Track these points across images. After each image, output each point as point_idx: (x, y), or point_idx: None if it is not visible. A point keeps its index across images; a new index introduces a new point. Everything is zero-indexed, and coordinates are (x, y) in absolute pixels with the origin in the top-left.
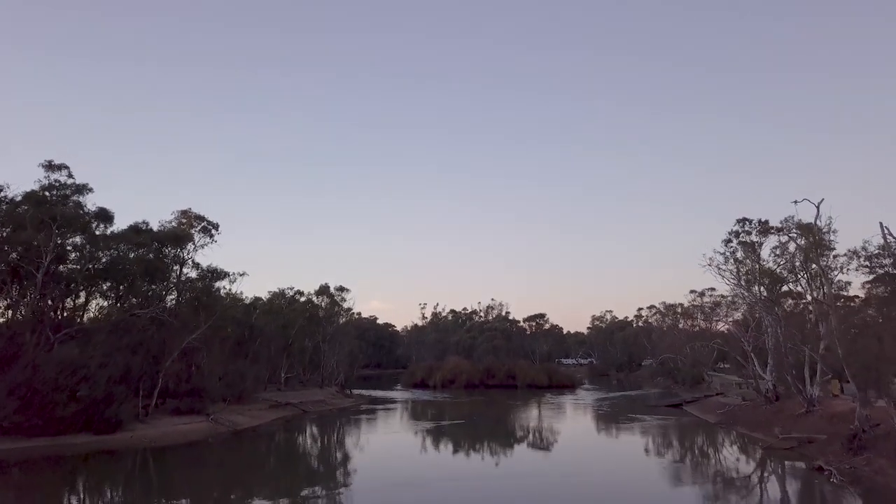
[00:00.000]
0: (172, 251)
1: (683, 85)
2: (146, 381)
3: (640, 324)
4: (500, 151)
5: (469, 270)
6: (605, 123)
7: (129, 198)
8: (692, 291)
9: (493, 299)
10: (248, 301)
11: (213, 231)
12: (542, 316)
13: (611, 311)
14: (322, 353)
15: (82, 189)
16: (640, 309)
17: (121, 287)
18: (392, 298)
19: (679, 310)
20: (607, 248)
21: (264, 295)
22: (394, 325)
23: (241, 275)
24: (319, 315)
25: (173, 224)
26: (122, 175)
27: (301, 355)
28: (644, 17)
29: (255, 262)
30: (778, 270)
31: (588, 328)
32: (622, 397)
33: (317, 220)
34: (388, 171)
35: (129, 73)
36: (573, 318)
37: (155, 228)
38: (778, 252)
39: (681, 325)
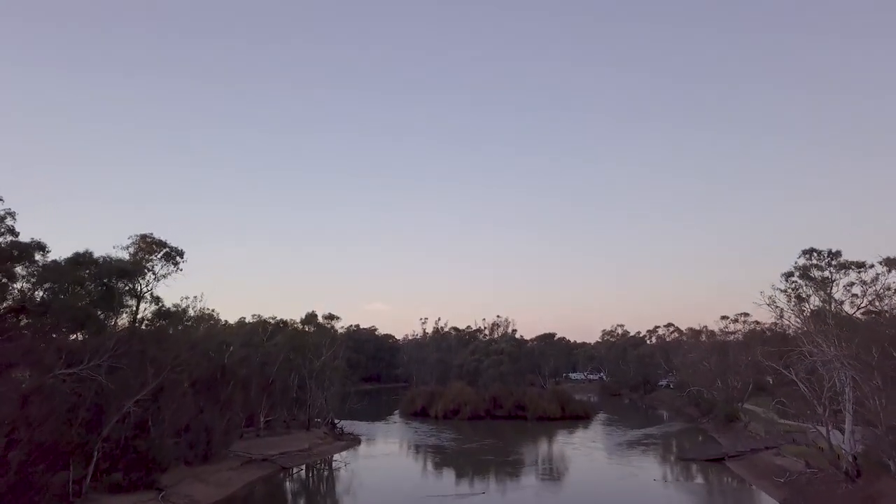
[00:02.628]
0: (126, 285)
1: (702, 100)
2: (80, 454)
3: (654, 339)
4: (505, 161)
5: (472, 276)
6: (612, 140)
7: (103, 221)
8: (723, 317)
9: (498, 316)
10: (221, 326)
11: (178, 259)
12: (551, 336)
13: (622, 326)
14: (309, 391)
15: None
16: (656, 327)
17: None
18: (395, 301)
19: (704, 334)
20: (618, 258)
21: (248, 317)
22: (394, 337)
23: (204, 317)
24: (305, 346)
25: (130, 250)
26: (89, 197)
27: (284, 394)
28: (659, 32)
29: (242, 280)
30: (855, 315)
31: (598, 341)
32: (646, 438)
33: (318, 229)
34: (388, 180)
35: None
36: (580, 327)
37: (113, 256)
38: (858, 293)
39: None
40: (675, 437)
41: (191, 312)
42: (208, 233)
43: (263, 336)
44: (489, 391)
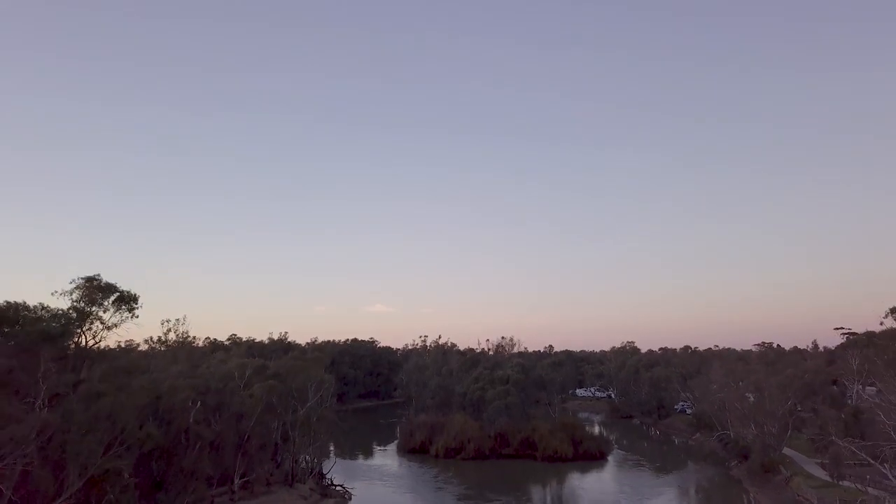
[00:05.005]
0: (60, 344)
1: (719, 125)
2: None
3: (667, 356)
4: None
5: (475, 277)
6: (617, 148)
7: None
8: (757, 345)
9: (503, 338)
10: (198, 355)
11: (133, 304)
12: (559, 365)
13: (632, 343)
14: (292, 442)
15: None
16: (673, 348)
17: None
18: (397, 303)
19: (738, 369)
20: (624, 268)
21: (239, 331)
22: (394, 348)
23: (185, 345)
24: (287, 394)
25: (73, 296)
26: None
27: (263, 450)
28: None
29: (242, 282)
30: None
31: (604, 350)
32: (671, 488)
33: (320, 230)
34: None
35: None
36: (586, 332)
37: (52, 306)
38: None
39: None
40: (706, 491)
41: (172, 336)
42: (209, 234)
43: (240, 382)
44: (494, 427)
